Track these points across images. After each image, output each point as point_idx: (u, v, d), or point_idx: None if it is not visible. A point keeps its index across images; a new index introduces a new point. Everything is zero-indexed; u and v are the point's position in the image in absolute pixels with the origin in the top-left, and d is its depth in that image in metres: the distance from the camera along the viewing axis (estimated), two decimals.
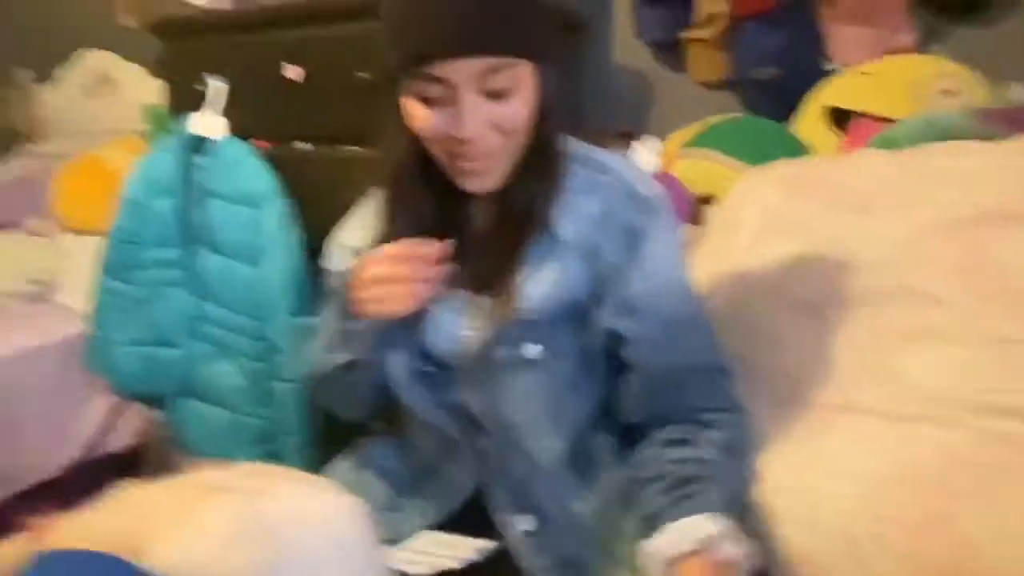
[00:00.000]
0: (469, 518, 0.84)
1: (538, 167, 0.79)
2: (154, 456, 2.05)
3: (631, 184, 0.81)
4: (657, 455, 0.77)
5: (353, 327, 0.81)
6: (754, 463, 0.79)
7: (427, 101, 0.74)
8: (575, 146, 0.85)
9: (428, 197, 0.83)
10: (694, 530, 0.69)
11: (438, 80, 0.72)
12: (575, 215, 0.80)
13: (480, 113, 0.73)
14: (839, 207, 0.87)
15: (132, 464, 2.07)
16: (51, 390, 1.87)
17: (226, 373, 1.52)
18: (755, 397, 0.85)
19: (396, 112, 0.79)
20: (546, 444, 0.82)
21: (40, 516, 1.88)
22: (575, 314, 0.82)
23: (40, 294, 2.16)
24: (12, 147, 2.70)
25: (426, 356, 0.86)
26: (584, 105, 1.62)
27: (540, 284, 0.80)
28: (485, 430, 0.83)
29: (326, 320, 0.86)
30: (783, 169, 1.02)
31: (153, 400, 1.72)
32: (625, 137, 1.57)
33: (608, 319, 0.80)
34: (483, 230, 0.84)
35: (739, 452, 0.79)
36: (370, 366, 0.84)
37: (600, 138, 1.52)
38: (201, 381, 1.55)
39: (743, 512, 0.76)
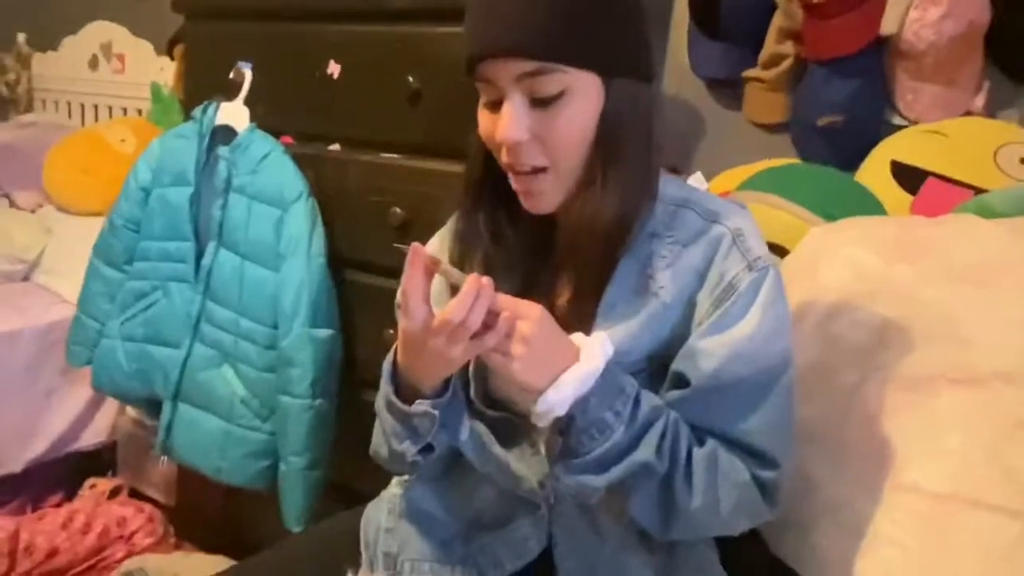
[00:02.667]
0: None
1: (600, 191, 0.71)
2: (129, 457, 1.93)
3: (743, 237, 0.74)
4: None
5: (414, 412, 0.72)
6: (722, 504, 0.70)
7: (488, 105, 0.74)
8: (689, 192, 0.79)
9: (503, 216, 0.78)
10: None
11: (490, 82, 0.71)
12: (677, 268, 0.74)
13: (522, 117, 0.70)
14: (947, 276, 0.81)
15: (103, 464, 1.95)
16: (25, 378, 1.76)
17: (226, 380, 1.41)
18: (846, 476, 0.78)
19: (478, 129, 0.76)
20: (617, 506, 0.75)
21: (2, 513, 1.75)
22: (659, 370, 0.75)
23: (19, 274, 2.02)
24: (5, 114, 2.56)
25: (493, 403, 0.78)
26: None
27: (624, 338, 0.73)
28: (554, 487, 0.76)
29: (382, 405, 0.77)
30: (872, 226, 0.96)
31: (138, 399, 1.60)
32: (671, 172, 1.50)
33: (677, 364, 0.73)
34: (561, 261, 0.77)
35: (720, 473, 0.70)
36: (440, 445, 0.76)
37: None
38: (197, 386, 1.44)
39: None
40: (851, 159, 1.33)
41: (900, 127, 1.32)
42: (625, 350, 0.72)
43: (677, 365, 0.73)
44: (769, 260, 0.73)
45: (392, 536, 0.83)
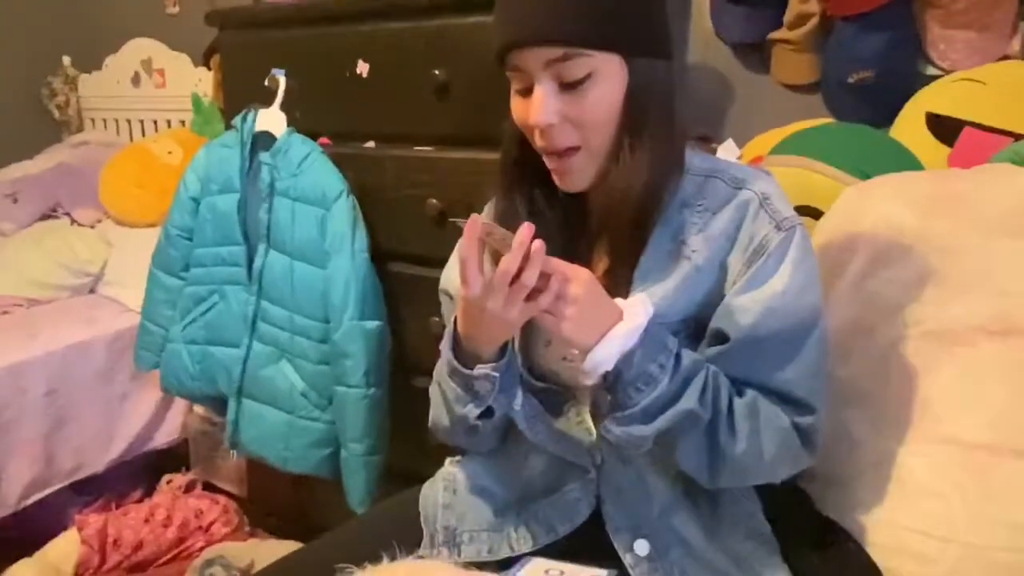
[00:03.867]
0: (579, 542, 0.81)
1: (630, 166, 0.75)
2: (200, 453, 2.04)
3: (769, 200, 0.77)
4: None
5: (476, 375, 0.77)
6: (765, 449, 0.73)
7: (519, 92, 0.78)
8: (715, 163, 0.82)
9: (540, 198, 0.82)
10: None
11: (519, 70, 0.75)
12: (708, 233, 0.78)
13: (551, 102, 0.74)
14: (985, 228, 0.81)
15: (178, 460, 2.06)
16: (100, 385, 1.86)
17: (285, 375, 1.48)
18: (886, 431, 0.79)
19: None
20: (662, 466, 0.80)
21: (89, 511, 1.87)
22: (694, 332, 0.79)
23: (86, 286, 2.14)
24: (58, 135, 2.69)
25: (539, 375, 0.82)
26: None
27: (660, 302, 0.76)
28: (602, 450, 0.80)
29: (444, 373, 0.82)
30: (906, 182, 0.95)
31: (204, 398, 1.68)
32: (702, 141, 1.50)
33: (716, 320, 0.77)
34: (596, 234, 0.82)
35: (761, 420, 0.73)
36: (500, 407, 0.81)
37: None
38: (259, 382, 1.51)
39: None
40: (885, 115, 1.31)
41: (934, 78, 1.29)
42: (661, 313, 0.75)
43: (715, 323, 0.77)
44: (796, 220, 0.77)
45: (449, 511, 0.88)
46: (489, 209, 0.87)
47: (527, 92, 0.76)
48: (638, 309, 0.72)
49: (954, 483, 0.72)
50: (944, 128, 1.21)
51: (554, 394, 0.84)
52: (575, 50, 0.72)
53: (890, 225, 0.89)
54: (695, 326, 0.79)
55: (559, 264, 0.70)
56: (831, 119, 1.39)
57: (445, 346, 0.81)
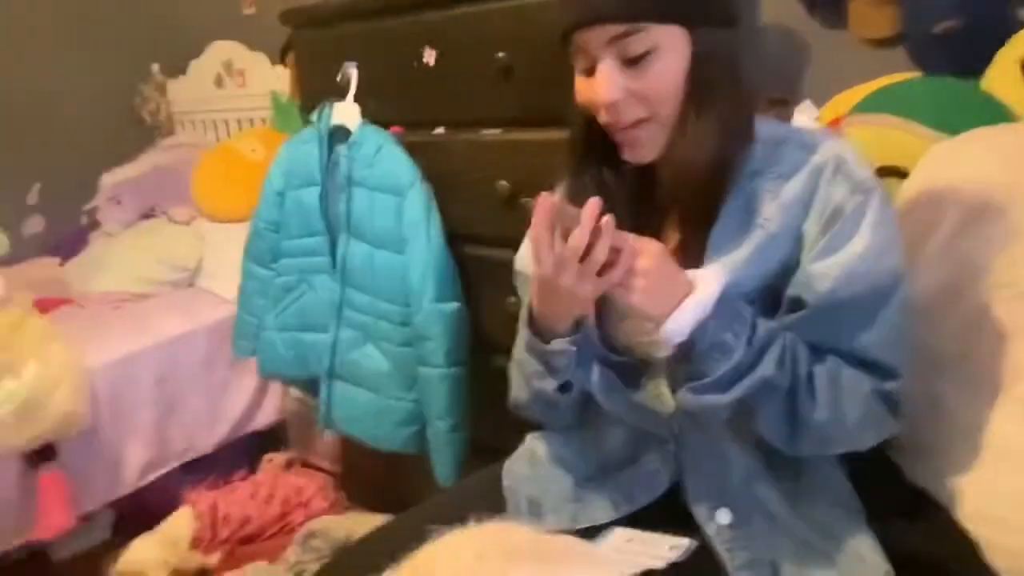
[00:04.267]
0: (659, 511, 0.82)
1: (696, 135, 0.75)
2: (297, 433, 2.15)
3: (844, 162, 0.75)
4: None
5: (553, 349, 0.79)
6: (848, 416, 0.72)
7: (583, 72, 0.79)
8: (786, 129, 0.81)
9: (609, 171, 0.83)
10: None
11: (582, 50, 0.76)
12: (782, 200, 0.77)
13: (615, 79, 0.75)
14: None
15: (277, 440, 2.19)
16: (203, 371, 1.99)
17: (371, 357, 1.55)
18: (979, 396, 0.76)
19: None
20: (742, 434, 0.80)
21: (199, 489, 2.01)
22: (772, 300, 0.78)
23: (185, 280, 2.28)
24: (152, 139, 2.85)
25: (616, 348, 0.84)
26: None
27: (737, 267, 0.76)
28: (680, 421, 0.81)
29: (522, 349, 0.85)
30: (995, 137, 0.90)
31: (299, 381, 1.78)
32: (779, 103, 1.46)
33: (793, 288, 0.76)
34: (666, 208, 0.82)
35: (843, 387, 0.72)
36: (578, 381, 0.83)
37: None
38: (347, 365, 1.58)
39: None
40: (976, 65, 1.23)
41: None
42: (736, 282, 0.75)
43: (793, 290, 0.76)
44: (873, 182, 0.75)
45: (532, 483, 0.91)
46: (559, 190, 0.89)
47: (591, 71, 0.77)
48: (711, 279, 0.72)
49: None
50: None
51: (631, 367, 0.85)
52: (635, 25, 0.72)
53: (980, 182, 0.85)
54: (771, 295, 0.78)
55: (629, 238, 0.70)
56: (916, 73, 1.32)
57: (522, 324, 0.83)
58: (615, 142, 0.81)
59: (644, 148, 0.79)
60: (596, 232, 0.68)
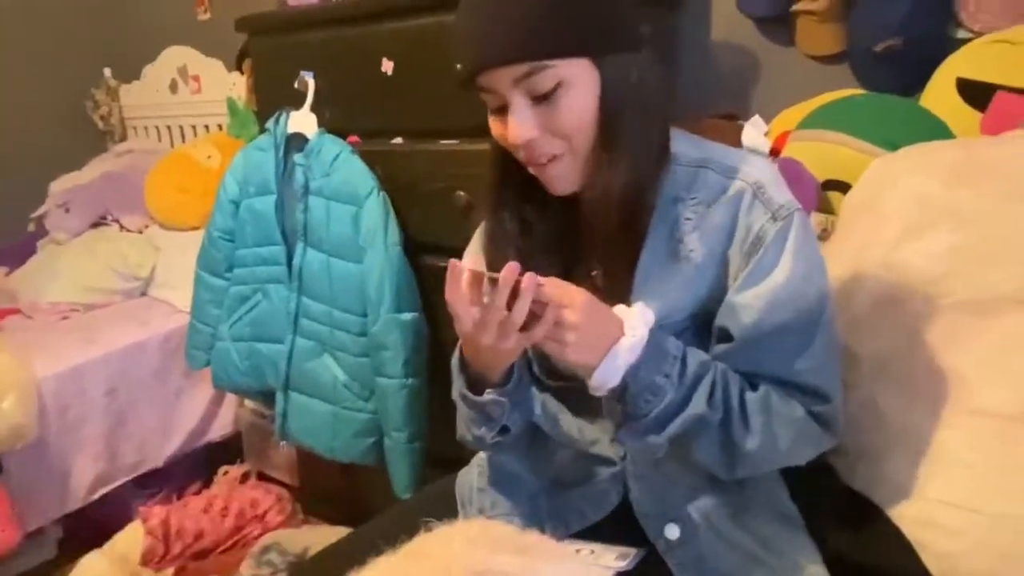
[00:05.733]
0: (611, 527, 0.83)
1: (613, 163, 0.75)
2: (253, 444, 2.12)
3: (762, 188, 0.76)
4: None
5: (484, 401, 0.79)
6: (780, 440, 0.74)
7: (494, 111, 0.77)
8: (707, 151, 0.80)
9: (530, 205, 0.82)
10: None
11: (491, 91, 0.75)
12: (704, 230, 0.77)
13: (527, 117, 0.73)
14: (1010, 196, 0.80)
15: (232, 452, 2.15)
16: (156, 383, 1.95)
17: (328, 368, 1.53)
18: (915, 404, 0.79)
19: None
20: (683, 458, 0.80)
21: (151, 504, 1.96)
22: (702, 326, 0.79)
23: (137, 290, 2.23)
24: (104, 144, 2.79)
25: (558, 375, 0.85)
26: (679, 89, 1.56)
27: (663, 303, 0.76)
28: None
29: (457, 396, 0.85)
30: (933, 152, 0.94)
31: (254, 392, 1.75)
32: (729, 119, 1.50)
33: (720, 318, 0.77)
34: (591, 237, 0.81)
35: (774, 413, 0.74)
36: (515, 425, 0.83)
37: (700, 121, 1.47)
38: (304, 375, 1.57)
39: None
40: (915, 82, 1.28)
41: (965, 41, 1.26)
42: (666, 314, 0.75)
43: (720, 320, 0.77)
44: (792, 206, 0.75)
45: (484, 495, 0.91)
46: (479, 234, 0.88)
47: (502, 111, 0.75)
48: (637, 322, 0.72)
49: (984, 455, 0.72)
50: (976, 93, 1.18)
51: (575, 390, 0.84)
52: (538, 63, 0.71)
53: (917, 196, 0.89)
54: (702, 321, 0.78)
55: (553, 291, 0.69)
56: (859, 90, 1.37)
57: (455, 369, 0.83)
58: (533, 175, 0.79)
59: (563, 181, 0.77)
60: (515, 292, 0.67)
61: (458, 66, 0.77)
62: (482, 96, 0.77)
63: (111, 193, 2.39)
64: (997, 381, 0.75)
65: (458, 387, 0.82)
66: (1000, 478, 0.70)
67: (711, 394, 0.73)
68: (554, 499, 0.87)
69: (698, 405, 0.72)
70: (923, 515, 0.73)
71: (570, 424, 0.85)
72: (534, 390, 0.85)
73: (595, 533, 0.83)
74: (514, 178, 0.81)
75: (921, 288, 0.84)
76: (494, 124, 0.78)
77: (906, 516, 0.75)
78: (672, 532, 0.80)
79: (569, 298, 0.70)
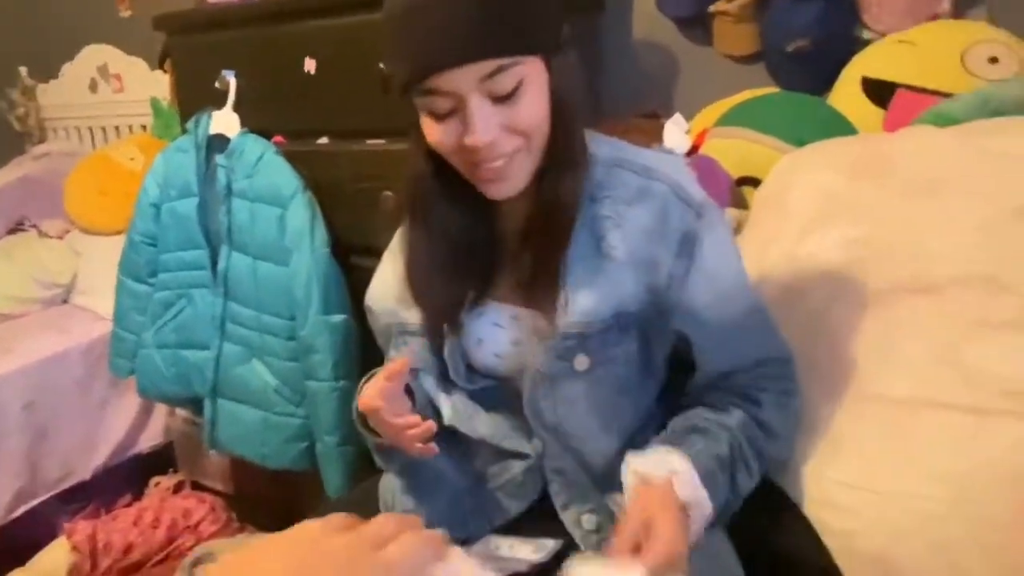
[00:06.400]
0: (533, 518, 0.85)
1: (563, 162, 0.76)
2: (185, 454, 2.07)
3: (681, 188, 0.78)
4: (691, 412, 0.81)
5: (382, 442, 0.83)
6: (785, 444, 0.82)
7: (438, 116, 0.73)
8: (620, 150, 0.82)
9: (454, 211, 0.81)
10: (663, 461, 0.73)
11: (444, 93, 0.70)
12: (626, 229, 0.78)
13: (491, 118, 0.71)
14: (905, 190, 0.84)
15: (164, 462, 2.09)
16: (79, 393, 1.88)
17: (258, 373, 1.51)
18: (817, 391, 0.83)
19: (415, 131, 0.78)
20: (600, 447, 0.82)
21: (78, 519, 1.89)
22: (627, 325, 0.79)
23: (58, 297, 2.15)
24: (21, 147, 2.67)
25: (472, 371, 0.86)
26: (602, 89, 1.58)
27: (589, 299, 0.77)
28: (541, 436, 0.83)
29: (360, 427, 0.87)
30: (835, 149, 0.98)
31: (181, 400, 1.71)
32: (650, 117, 1.53)
33: (679, 325, 0.79)
34: (518, 240, 0.82)
35: (772, 431, 0.80)
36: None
37: (623, 120, 1.50)
38: (232, 382, 1.54)
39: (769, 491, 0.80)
40: (825, 81, 1.34)
41: (870, 42, 1.32)
42: (591, 310, 0.76)
43: (678, 326, 0.79)
44: (708, 200, 0.79)
45: (408, 496, 0.91)
46: (396, 245, 0.89)
47: (448, 114, 0.72)
48: (703, 500, 0.73)
49: (877, 437, 0.76)
50: (879, 91, 1.24)
51: (491, 389, 0.86)
52: (507, 60, 0.69)
53: (819, 191, 0.92)
54: (624, 320, 0.79)
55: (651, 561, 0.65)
56: (774, 88, 1.42)
57: (355, 410, 0.85)
58: (468, 180, 0.77)
59: (512, 180, 0.75)
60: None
61: (385, 69, 0.74)
62: (424, 101, 0.72)
63: (29, 197, 2.29)
64: (889, 367, 0.78)
65: (356, 419, 0.84)
66: (891, 458, 0.74)
67: (729, 499, 0.77)
68: (477, 496, 0.88)
69: (739, 490, 0.78)
70: (822, 496, 0.77)
71: (483, 422, 0.86)
72: (442, 396, 0.86)
73: (518, 526, 0.84)
74: (439, 186, 0.79)
75: (822, 280, 0.88)
76: (433, 130, 0.73)
77: (807, 498, 0.78)
78: (589, 522, 0.81)
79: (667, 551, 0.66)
